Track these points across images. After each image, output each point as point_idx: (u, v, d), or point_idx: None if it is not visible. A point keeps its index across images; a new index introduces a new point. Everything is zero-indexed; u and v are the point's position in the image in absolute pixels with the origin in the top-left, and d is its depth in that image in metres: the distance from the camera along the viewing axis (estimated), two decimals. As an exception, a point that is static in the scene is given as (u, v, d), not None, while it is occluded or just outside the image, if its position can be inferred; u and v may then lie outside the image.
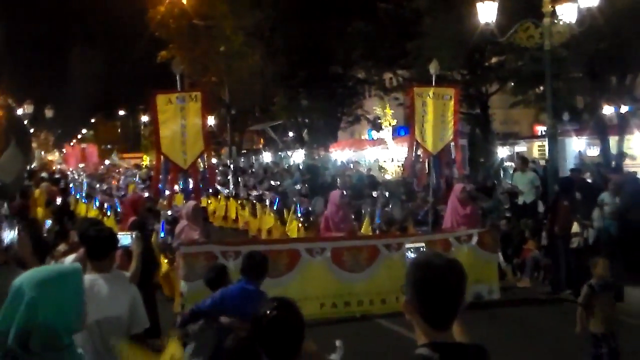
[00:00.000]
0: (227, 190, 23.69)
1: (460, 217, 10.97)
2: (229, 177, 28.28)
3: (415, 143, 12.62)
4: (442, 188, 13.38)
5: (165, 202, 13.60)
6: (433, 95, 12.24)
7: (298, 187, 21.73)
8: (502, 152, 29.67)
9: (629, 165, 19.87)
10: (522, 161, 16.54)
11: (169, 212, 13.59)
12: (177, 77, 10.95)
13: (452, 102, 12.33)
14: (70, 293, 2.64)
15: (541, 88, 19.95)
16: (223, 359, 4.96)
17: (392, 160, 27.83)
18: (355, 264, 10.18)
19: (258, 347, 2.81)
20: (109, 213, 17.46)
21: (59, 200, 16.37)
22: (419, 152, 14.18)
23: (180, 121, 10.58)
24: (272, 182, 22.85)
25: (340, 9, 31.57)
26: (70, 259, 5.49)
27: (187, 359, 5.50)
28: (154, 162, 12.67)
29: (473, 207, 11.33)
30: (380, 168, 26.74)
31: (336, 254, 10.10)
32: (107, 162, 41.85)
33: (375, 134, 34.87)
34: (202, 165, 12.06)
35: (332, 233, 10.90)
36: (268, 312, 2.80)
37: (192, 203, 9.99)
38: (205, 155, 11.18)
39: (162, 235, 12.05)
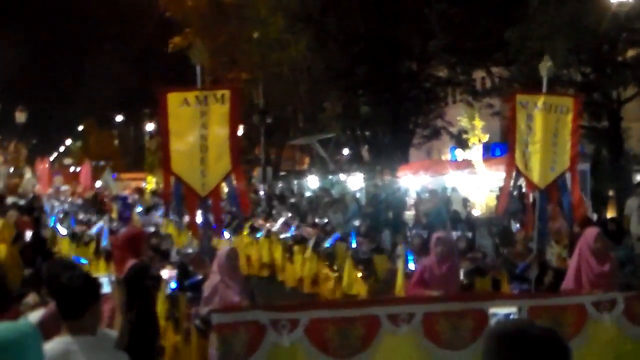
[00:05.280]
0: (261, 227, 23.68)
1: (595, 276, 10.28)
2: (259, 209, 28.34)
3: (515, 171, 12.39)
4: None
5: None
6: (543, 106, 11.99)
7: (356, 223, 21.63)
8: (641, 180, 29.11)
9: None
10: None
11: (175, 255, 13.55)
12: (197, 70, 10.90)
13: (570, 117, 12.06)
14: None
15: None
16: None
17: (478, 188, 27.65)
18: (455, 337, 9.56)
19: None
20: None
21: (29, 234, 16.46)
22: (519, 183, 13.88)
23: (200, 130, 10.49)
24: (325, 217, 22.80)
25: (415, -17, 31.65)
26: (36, 315, 5.41)
27: None
28: (162, 186, 12.66)
29: (613, 262, 10.76)
30: (466, 201, 26.46)
31: (429, 323, 9.49)
32: (98, 183, 42.42)
33: (460, 154, 34.64)
34: (227, 191, 11.98)
35: (427, 290, 10.47)
36: None
37: (225, 250, 9.70)
38: (234, 178, 11.10)
39: (173, 285, 11.91)
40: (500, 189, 24.30)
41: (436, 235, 10.97)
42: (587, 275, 10.31)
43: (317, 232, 19.91)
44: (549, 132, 11.95)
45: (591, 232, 10.57)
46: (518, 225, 17.40)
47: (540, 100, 12.08)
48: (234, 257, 9.63)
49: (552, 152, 12.01)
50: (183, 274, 12.11)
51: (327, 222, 21.64)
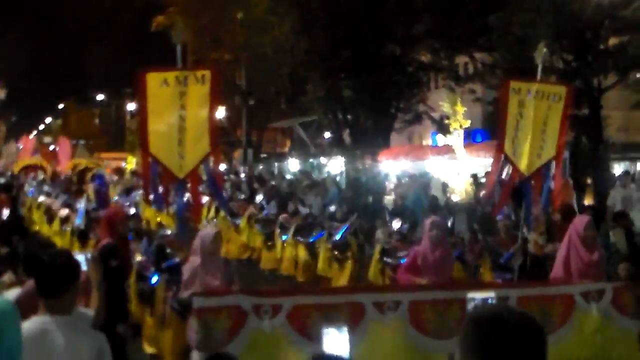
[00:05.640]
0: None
1: (584, 265, 9.99)
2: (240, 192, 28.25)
3: (502, 158, 12.37)
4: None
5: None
6: (536, 94, 11.88)
7: (332, 208, 21.55)
8: (620, 169, 29.17)
9: None
10: (647, 184, 16.23)
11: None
12: (178, 50, 10.80)
13: (561, 105, 11.92)
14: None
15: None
16: None
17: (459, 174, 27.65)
18: (442, 326, 9.40)
19: None
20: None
21: (6, 213, 16.38)
22: (504, 170, 13.82)
23: (178, 111, 10.32)
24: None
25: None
26: (13, 293, 5.39)
27: None
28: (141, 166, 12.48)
29: (601, 252, 10.28)
30: (445, 186, 26.46)
31: (415, 311, 9.21)
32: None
33: (441, 139, 34.62)
34: (205, 174, 11.90)
35: (417, 277, 10.32)
36: None
37: (209, 233, 9.56)
38: (212, 160, 10.96)
39: (155, 279, 11.74)
40: (476, 177, 24.52)
41: (430, 219, 10.80)
42: (576, 264, 10.07)
43: (298, 220, 19.78)
44: (539, 119, 11.84)
45: (581, 220, 10.33)
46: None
47: (534, 88, 11.96)
48: (218, 242, 9.56)
49: (541, 140, 11.91)
50: (160, 256, 12.01)
51: (309, 213, 21.38)
